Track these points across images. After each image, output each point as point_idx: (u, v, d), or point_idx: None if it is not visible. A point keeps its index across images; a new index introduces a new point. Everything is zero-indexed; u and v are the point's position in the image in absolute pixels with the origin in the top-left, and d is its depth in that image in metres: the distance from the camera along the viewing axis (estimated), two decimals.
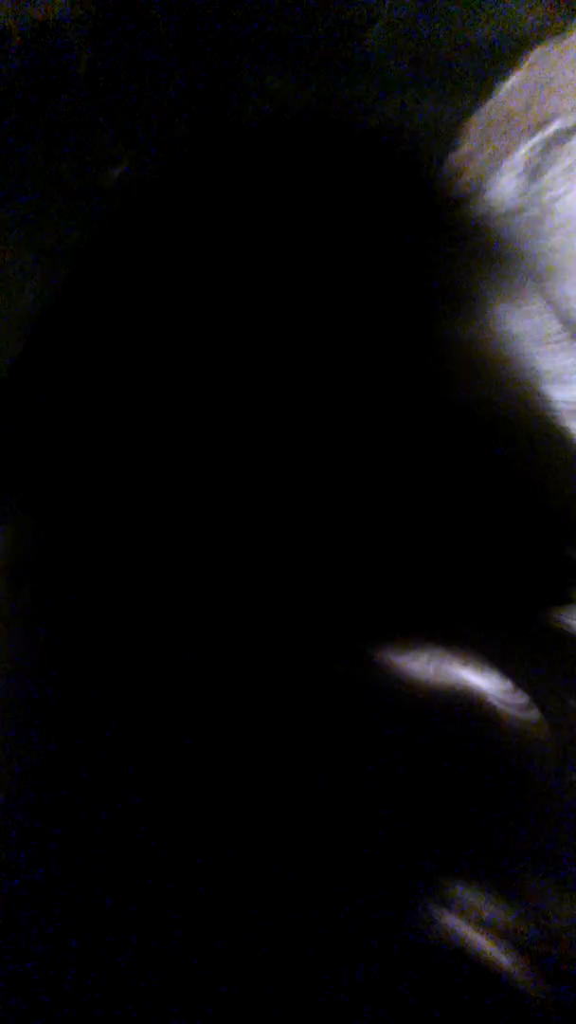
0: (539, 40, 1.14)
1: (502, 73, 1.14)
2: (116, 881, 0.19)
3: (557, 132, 1.21)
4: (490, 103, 1.17)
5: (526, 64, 1.15)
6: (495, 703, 0.19)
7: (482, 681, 0.20)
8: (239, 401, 0.22)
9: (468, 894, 0.19)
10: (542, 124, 1.19)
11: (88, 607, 0.22)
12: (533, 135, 1.20)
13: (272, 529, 0.21)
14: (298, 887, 0.19)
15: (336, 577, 0.21)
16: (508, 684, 0.20)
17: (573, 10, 1.10)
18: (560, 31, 1.12)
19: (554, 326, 0.28)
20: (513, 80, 1.16)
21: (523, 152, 1.21)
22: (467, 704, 0.19)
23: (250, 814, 0.19)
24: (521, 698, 0.20)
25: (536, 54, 1.14)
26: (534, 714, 0.20)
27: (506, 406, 0.24)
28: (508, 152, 1.21)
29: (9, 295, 1.33)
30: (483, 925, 0.18)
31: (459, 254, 0.26)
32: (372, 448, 0.22)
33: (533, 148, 1.21)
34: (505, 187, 1.23)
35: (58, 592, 0.23)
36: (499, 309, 0.26)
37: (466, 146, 1.20)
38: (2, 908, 0.23)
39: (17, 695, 0.24)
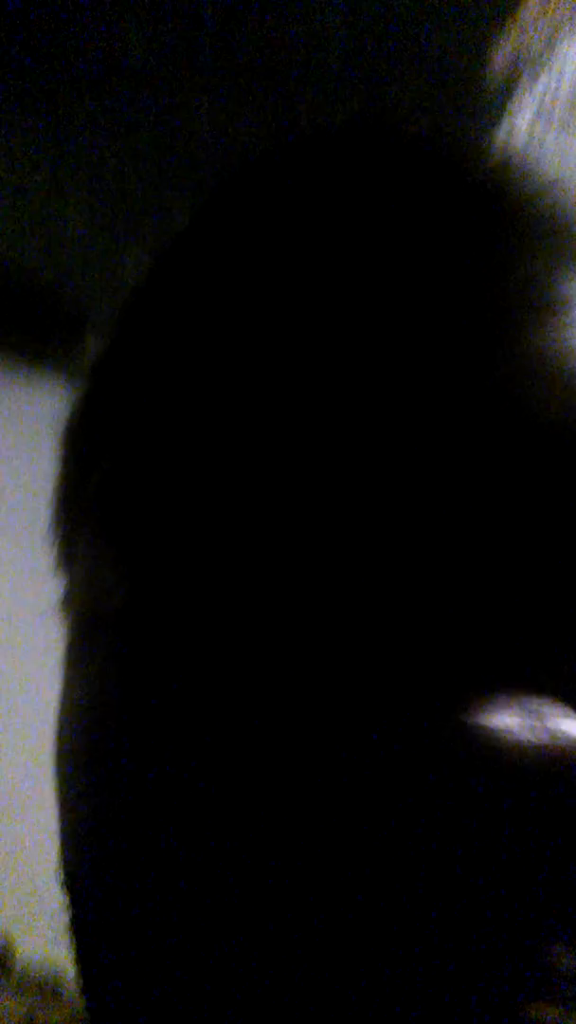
0: None
1: None
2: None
3: None
4: None
5: None
6: None
7: None
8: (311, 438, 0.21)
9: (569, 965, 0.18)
10: None
11: (166, 661, 0.21)
12: None
13: (346, 584, 0.20)
14: (395, 962, 0.18)
15: (403, 629, 0.20)
16: None
17: None
18: None
19: None
20: None
21: None
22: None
23: (347, 890, 0.18)
24: None
25: None
26: None
27: None
28: (571, 20, 1.11)
29: (17, 174, 1.23)
30: None
31: (536, 254, 0.23)
32: (451, 478, 0.20)
33: None
34: (568, 58, 1.13)
35: (135, 642, 0.22)
36: None
37: (525, 13, 1.10)
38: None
39: (86, 740, 0.23)
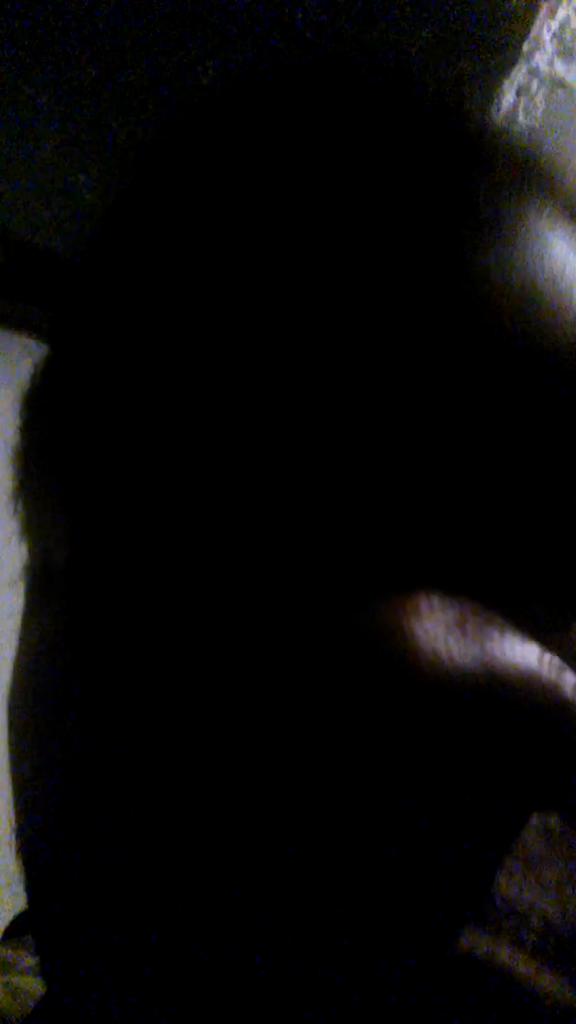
0: None
1: None
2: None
3: None
4: None
5: None
6: (549, 682, 0.17)
7: (528, 653, 0.17)
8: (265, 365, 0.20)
9: (507, 911, 0.16)
10: None
11: (116, 613, 0.21)
12: None
13: (296, 498, 0.19)
14: (318, 906, 0.16)
15: (342, 528, 0.18)
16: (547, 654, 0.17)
17: None
18: None
19: None
20: None
21: None
22: (524, 687, 0.16)
23: (265, 827, 0.17)
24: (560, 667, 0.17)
25: None
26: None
27: (565, 336, 0.21)
28: None
29: (24, 145, 1.15)
30: (520, 942, 0.16)
31: (496, 183, 0.23)
32: (413, 386, 0.19)
33: None
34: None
35: (83, 593, 0.22)
36: (544, 237, 0.23)
37: None
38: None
39: (34, 694, 0.23)
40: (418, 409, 0.19)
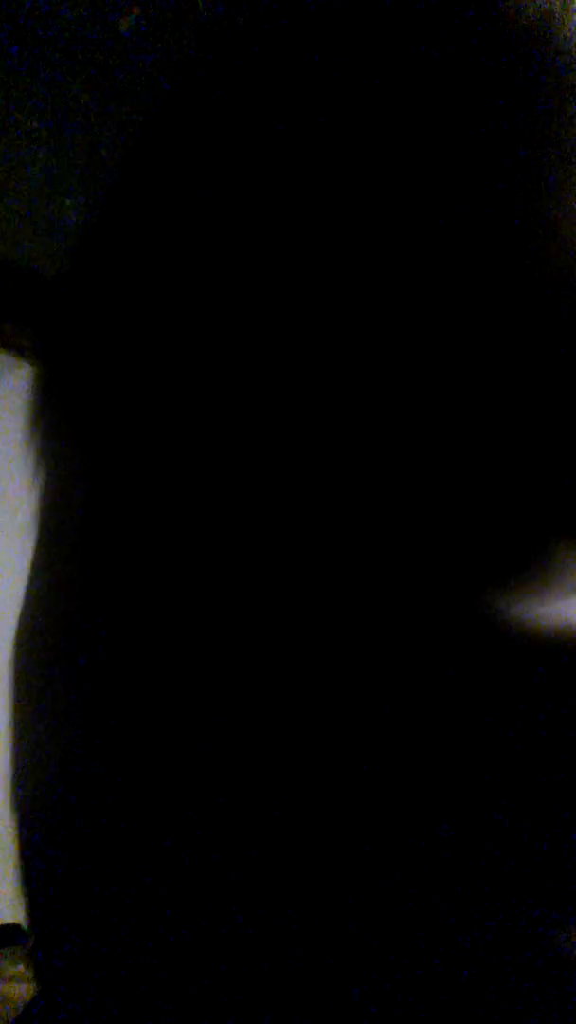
0: None
1: None
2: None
3: None
4: None
5: None
6: None
7: None
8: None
9: None
10: None
11: (128, 565, 0.20)
12: None
13: (358, 463, 0.18)
14: (416, 892, 0.15)
15: (432, 518, 0.18)
16: None
17: None
18: None
19: None
20: None
21: None
22: None
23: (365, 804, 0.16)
24: None
25: None
26: None
27: None
28: None
29: (13, 168, 1.17)
30: None
31: None
32: (474, 352, 0.18)
33: None
34: None
35: (96, 545, 0.21)
36: None
37: None
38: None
39: (47, 654, 0.22)
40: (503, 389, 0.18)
